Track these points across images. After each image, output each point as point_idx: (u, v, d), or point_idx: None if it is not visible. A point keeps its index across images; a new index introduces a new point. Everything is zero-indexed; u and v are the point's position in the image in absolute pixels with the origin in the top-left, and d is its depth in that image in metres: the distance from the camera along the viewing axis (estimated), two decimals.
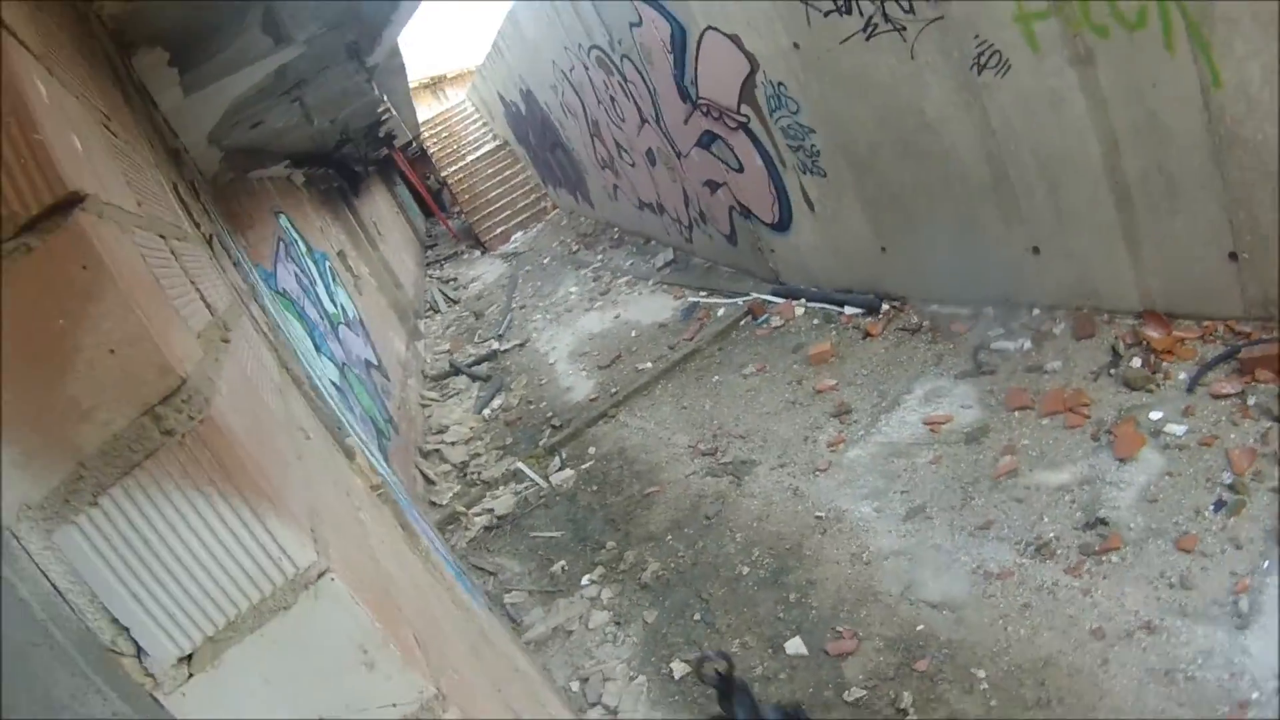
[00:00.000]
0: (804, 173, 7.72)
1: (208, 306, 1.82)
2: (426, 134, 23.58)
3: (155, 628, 1.12)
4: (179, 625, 1.13)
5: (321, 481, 1.80)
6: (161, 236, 1.76)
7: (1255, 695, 3.37)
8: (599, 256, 14.86)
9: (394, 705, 1.26)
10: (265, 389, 1.94)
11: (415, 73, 21.66)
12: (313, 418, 2.81)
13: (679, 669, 4.94)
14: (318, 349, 6.94)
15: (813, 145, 7.34)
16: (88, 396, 1.06)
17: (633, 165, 12.40)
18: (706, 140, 9.11)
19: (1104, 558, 4.26)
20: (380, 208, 19.39)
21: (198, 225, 3.18)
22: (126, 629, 1.11)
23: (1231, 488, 4.20)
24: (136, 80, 3.60)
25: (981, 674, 4.05)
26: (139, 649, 1.12)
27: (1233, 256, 4.73)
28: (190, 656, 1.14)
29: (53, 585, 1.08)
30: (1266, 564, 3.81)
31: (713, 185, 9.61)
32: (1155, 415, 4.85)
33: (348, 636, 1.22)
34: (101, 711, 1.12)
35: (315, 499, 1.52)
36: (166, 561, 1.11)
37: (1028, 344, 6.05)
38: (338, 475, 2.29)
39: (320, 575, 1.20)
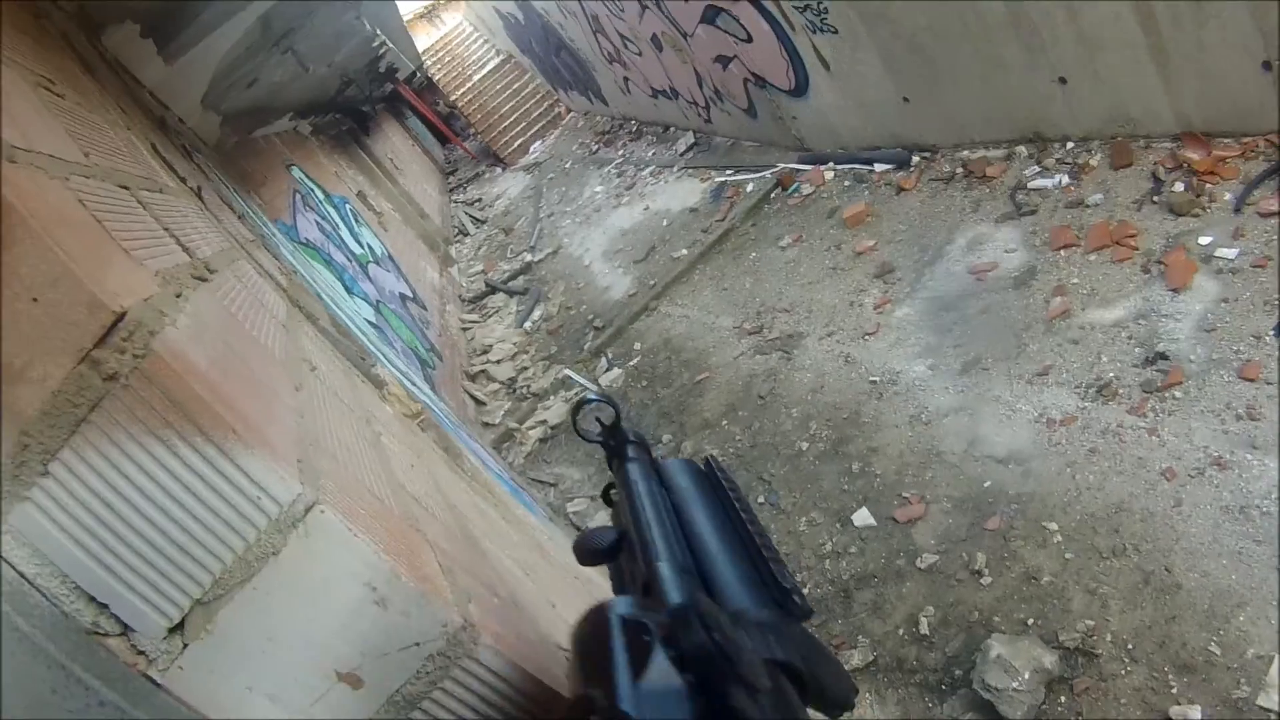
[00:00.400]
0: (814, 32, 7.45)
1: (185, 250, 1.73)
2: (429, 62, 23.10)
3: (137, 599, 1.00)
4: (162, 592, 1.00)
5: (326, 411, 1.70)
6: (124, 188, 1.68)
7: None
8: (619, 152, 14.59)
9: (416, 645, 1.16)
10: (261, 325, 1.85)
11: (407, 6, 21.21)
12: (330, 352, 2.79)
13: None
14: (349, 291, 6.92)
15: (819, 2, 7.08)
16: (17, 354, 0.95)
17: (640, 54, 12.10)
18: (710, 15, 8.85)
19: (1167, 394, 4.17)
20: (394, 142, 19.11)
21: (183, 180, 3.15)
22: (106, 606, 1.00)
23: None
24: (110, 58, 3.58)
25: (1054, 526, 4.01)
26: (125, 627, 1.00)
27: (1266, 66, 4.52)
28: (182, 625, 1.02)
29: (19, 574, 0.97)
30: None
31: (724, 60, 9.36)
32: (1205, 240, 4.70)
33: (351, 574, 1.11)
34: (93, 712, 1.02)
35: (313, 429, 1.42)
36: (134, 523, 0.99)
37: (1065, 179, 5.89)
38: (356, 403, 2.23)
39: (308, 509, 1.07)
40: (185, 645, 1.01)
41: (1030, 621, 3.72)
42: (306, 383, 1.75)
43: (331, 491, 1.17)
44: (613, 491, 1.45)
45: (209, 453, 1.01)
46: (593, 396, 1.54)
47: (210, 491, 1.01)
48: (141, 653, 1.00)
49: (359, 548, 1.11)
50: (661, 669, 0.79)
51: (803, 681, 0.91)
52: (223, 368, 1.22)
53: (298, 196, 7.84)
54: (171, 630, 1.01)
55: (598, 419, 1.52)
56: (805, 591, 4.44)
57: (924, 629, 3.98)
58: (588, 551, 1.29)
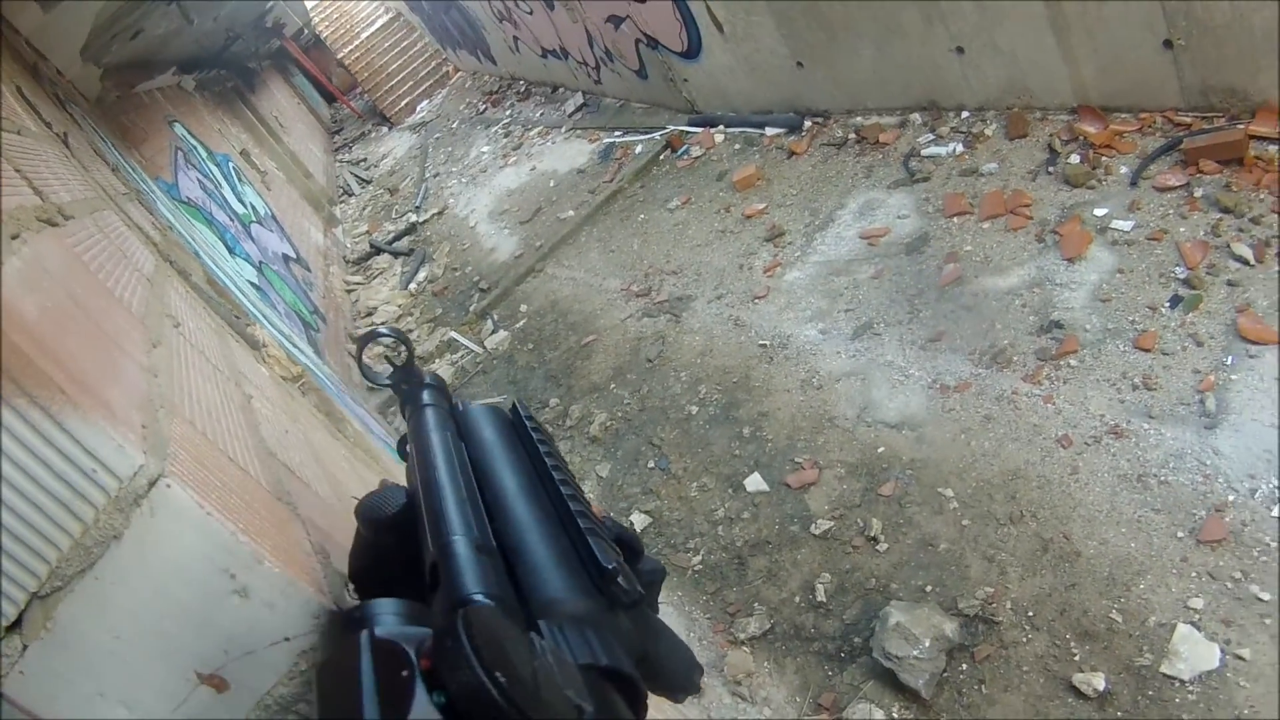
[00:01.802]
0: None
1: (36, 193, 1.57)
2: (317, 18, 22.69)
3: None
4: None
5: (188, 371, 1.54)
6: None
7: (1231, 497, 3.32)
8: (507, 112, 14.36)
9: (286, 640, 1.00)
10: (120, 278, 1.68)
11: None
12: (202, 309, 2.64)
13: (639, 521, 4.85)
14: (231, 251, 6.72)
15: None
16: None
17: (530, 13, 11.88)
18: None
19: (1062, 362, 4.17)
20: (279, 100, 18.70)
21: (48, 125, 3.00)
22: None
23: (1186, 282, 4.11)
24: None
25: (950, 493, 3.99)
26: None
27: (1167, 44, 4.54)
28: (19, 623, 0.86)
29: None
30: (1230, 359, 3.74)
31: (615, 20, 9.19)
32: (1100, 212, 4.72)
33: (204, 559, 0.95)
34: None
35: (168, 390, 1.26)
36: None
37: (960, 148, 5.88)
38: (227, 363, 2.07)
39: (152, 484, 0.92)
40: (24, 646, 0.85)
41: (928, 589, 3.69)
42: (166, 339, 1.59)
43: (182, 462, 1.01)
44: (408, 445, 1.25)
45: (33, 417, 0.86)
46: (383, 330, 1.34)
47: (37, 464, 0.86)
48: None
49: (212, 528, 0.96)
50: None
51: (634, 687, 0.77)
52: (59, 320, 1.08)
53: (179, 154, 7.54)
54: (9, 630, 0.85)
55: (387, 358, 1.35)
56: (698, 560, 4.38)
57: (821, 596, 3.92)
58: (372, 521, 1.08)
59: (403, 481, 1.16)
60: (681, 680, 1.05)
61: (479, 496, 1.05)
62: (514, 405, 1.27)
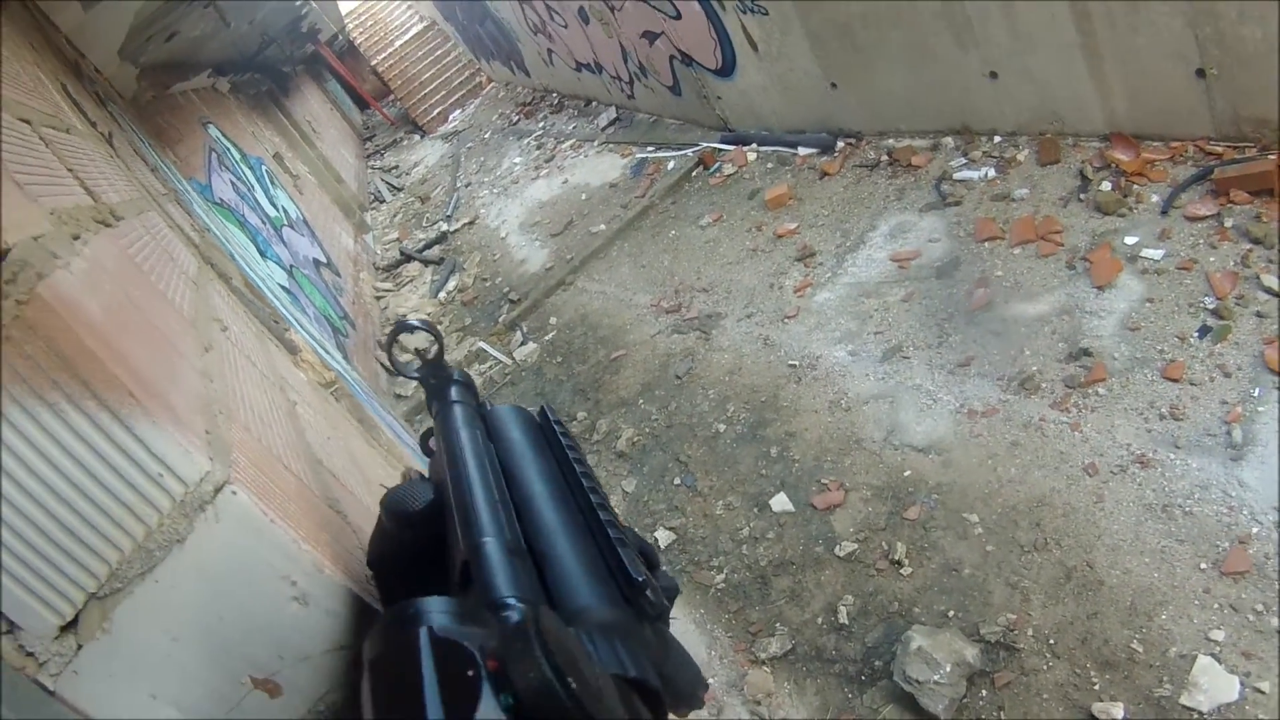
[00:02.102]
0: (744, 12, 7.37)
1: (89, 193, 1.58)
2: (351, 25, 22.87)
3: (22, 592, 0.84)
4: (51, 585, 0.85)
5: (238, 375, 1.56)
6: (25, 121, 1.52)
7: (1255, 530, 3.32)
8: (540, 124, 14.41)
9: (343, 648, 1.02)
10: (169, 280, 1.70)
11: None
12: (243, 313, 2.67)
13: (664, 537, 4.88)
14: (262, 254, 6.74)
15: None
16: None
17: (565, 26, 11.96)
18: None
19: (1090, 390, 4.18)
20: (313, 105, 18.83)
21: (93, 124, 2.99)
22: None
23: (1215, 313, 4.11)
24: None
25: (974, 518, 3.99)
26: (10, 624, 0.84)
27: (1200, 73, 4.55)
28: (75, 623, 0.87)
29: None
30: (1257, 391, 3.74)
31: (650, 36, 9.24)
32: (1130, 240, 4.72)
33: (267, 566, 0.97)
34: None
35: (223, 395, 1.28)
36: (16, 501, 0.82)
37: (992, 172, 5.89)
38: (270, 368, 2.09)
39: (218, 490, 0.94)
40: (79, 646, 0.87)
41: (951, 614, 3.70)
42: (217, 344, 1.61)
43: (244, 468, 1.03)
44: (432, 440, 1.25)
45: (102, 420, 0.87)
46: (414, 323, 1.33)
47: (104, 466, 0.87)
48: (30, 654, 0.85)
49: (276, 535, 0.98)
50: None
51: (659, 699, 0.76)
52: (121, 321, 1.08)
53: (213, 155, 7.58)
54: (63, 629, 0.86)
55: (418, 352, 1.32)
56: (721, 578, 4.41)
57: (843, 618, 3.94)
58: (398, 515, 1.07)
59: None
60: (687, 694, 1.05)
61: (508, 496, 1.04)
62: (542, 409, 1.26)
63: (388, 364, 1.30)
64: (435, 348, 1.35)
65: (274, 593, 0.97)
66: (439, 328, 9.24)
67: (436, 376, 1.33)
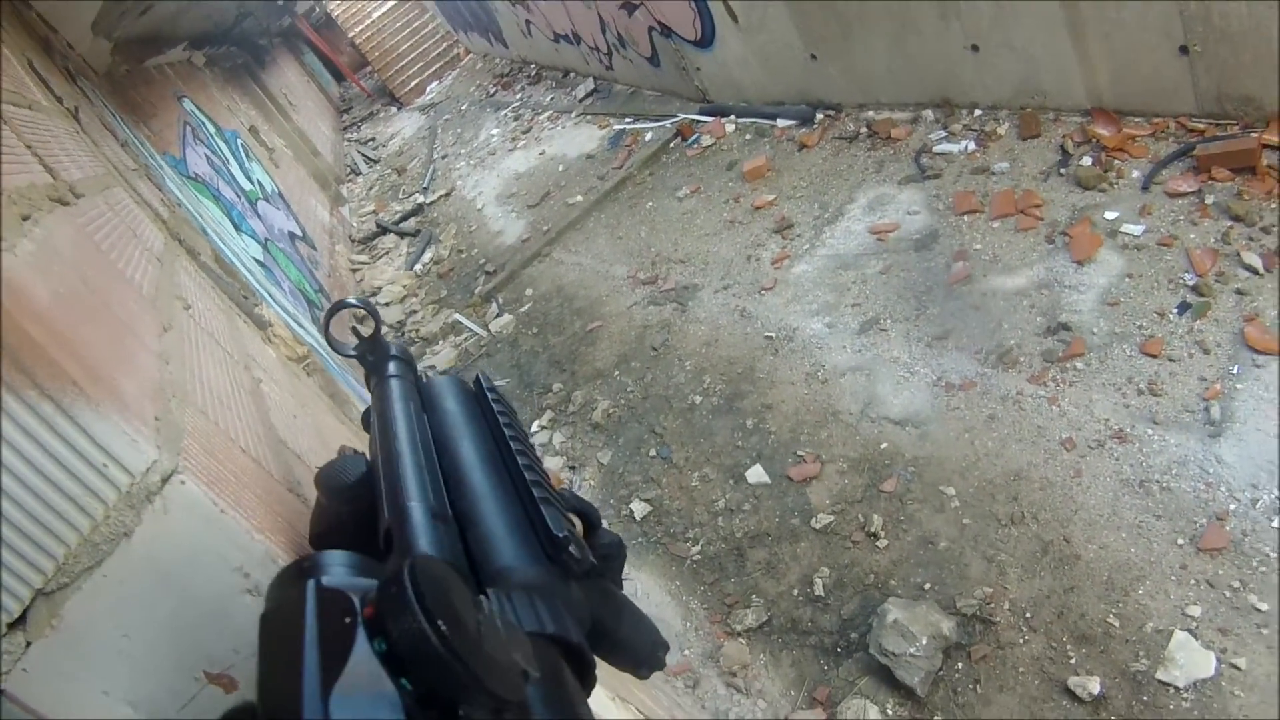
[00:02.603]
0: None
1: (48, 170, 1.55)
2: None
3: None
4: None
5: (199, 355, 1.53)
6: None
7: (1232, 506, 3.33)
8: (518, 96, 14.34)
9: None
10: (131, 258, 1.67)
11: None
12: (210, 290, 2.64)
13: (639, 509, 4.85)
14: (237, 228, 6.68)
15: None
16: None
17: None
18: None
19: (1068, 364, 4.17)
20: (289, 78, 18.73)
21: (59, 100, 2.97)
22: None
23: (1195, 289, 4.11)
24: None
25: (951, 491, 3.99)
26: None
27: (1183, 50, 4.53)
28: (23, 620, 0.84)
29: None
30: (1236, 368, 3.74)
31: (630, 7, 9.16)
32: (1111, 215, 4.71)
33: (218, 557, 0.94)
34: None
35: (180, 378, 1.26)
36: None
37: (971, 145, 5.87)
38: (236, 346, 2.06)
39: (165, 480, 0.91)
40: (28, 644, 0.84)
41: (927, 586, 3.70)
42: (177, 323, 1.58)
43: (195, 456, 1.01)
44: (371, 416, 1.24)
45: (44, 410, 0.84)
46: (351, 300, 1.33)
47: (47, 458, 0.84)
48: None
49: (227, 525, 0.95)
50: (364, 667, 0.58)
51: (582, 656, 0.76)
52: (72, 305, 1.06)
53: (188, 129, 7.49)
54: (11, 626, 0.83)
55: (354, 330, 1.33)
56: (697, 550, 4.39)
57: (819, 590, 3.93)
58: (332, 489, 1.06)
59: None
60: (645, 656, 1.06)
61: (438, 466, 1.05)
62: (477, 377, 1.28)
63: (328, 344, 1.29)
64: (372, 325, 1.34)
65: (227, 584, 0.95)
66: (412, 304, 9.25)
67: (374, 353, 1.33)
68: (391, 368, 1.29)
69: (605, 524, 1.21)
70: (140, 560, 0.89)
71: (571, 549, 0.88)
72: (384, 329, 1.34)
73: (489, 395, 1.21)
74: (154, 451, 0.92)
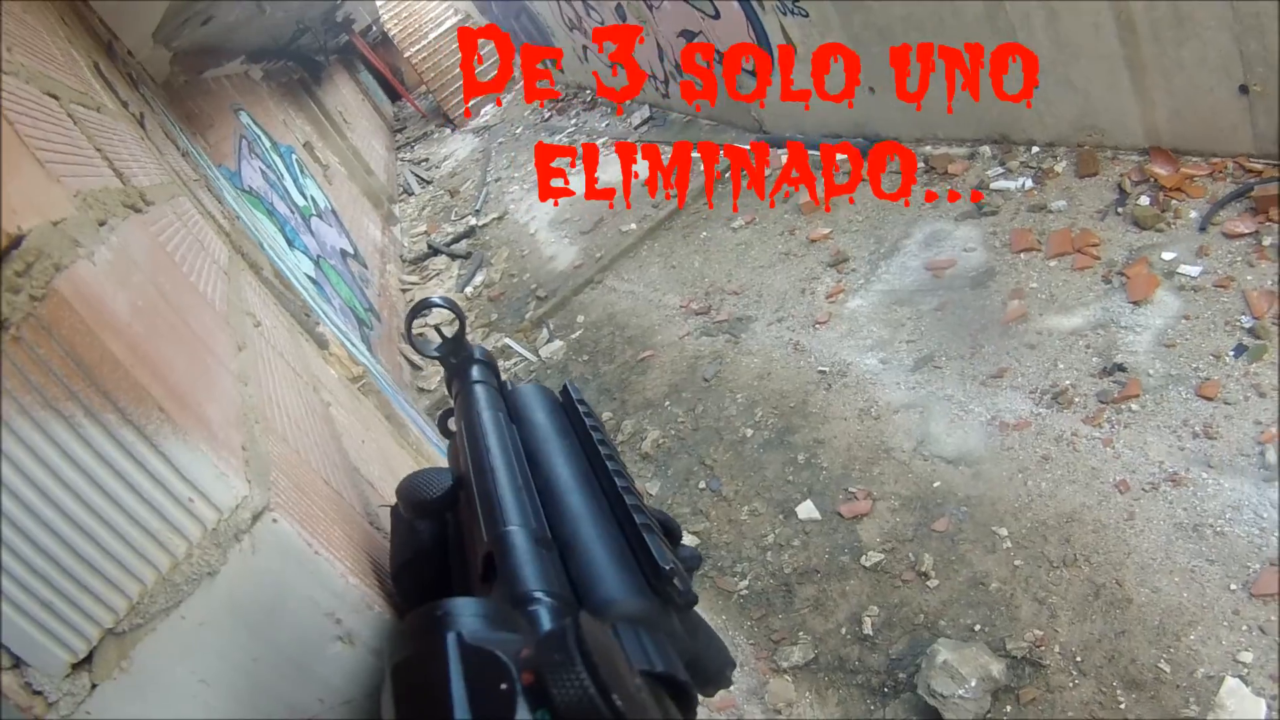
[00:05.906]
0: (784, 14, 7.33)
1: (118, 175, 1.46)
2: (386, 15, 22.88)
3: (29, 625, 0.74)
4: (62, 618, 0.76)
5: (272, 376, 1.44)
6: (52, 96, 1.40)
7: None
8: (572, 121, 14.39)
9: None
10: (201, 271, 1.56)
11: None
12: (274, 306, 2.58)
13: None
14: (290, 244, 6.74)
15: None
16: None
17: (601, 23, 11.90)
18: None
19: (1123, 406, 4.15)
20: (345, 95, 18.83)
21: (125, 105, 2.93)
22: None
23: (1252, 332, 4.07)
24: None
25: (1003, 532, 3.97)
26: (16, 659, 0.75)
27: (1243, 89, 4.51)
28: (89, 660, 0.78)
29: None
30: None
31: (688, 35, 9.22)
32: (1168, 255, 4.69)
33: (309, 601, 0.88)
34: None
35: (258, 401, 1.17)
36: (25, 526, 0.73)
37: (1029, 183, 5.85)
38: (303, 366, 1.98)
39: (256, 517, 0.85)
40: (94, 685, 0.78)
41: (977, 628, 3.68)
42: (250, 341, 1.49)
43: (284, 490, 0.94)
44: (451, 421, 1.19)
45: (125, 437, 0.77)
46: (436, 300, 1.28)
47: (125, 489, 0.77)
48: (38, 693, 0.76)
49: (320, 568, 0.89)
50: None
51: (687, 693, 0.72)
52: (150, 319, 0.96)
53: (244, 142, 7.59)
54: (76, 666, 0.77)
55: (438, 330, 1.26)
56: (744, 585, 4.39)
57: (867, 629, 3.93)
58: (415, 503, 1.01)
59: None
60: (715, 675, 0.99)
61: (531, 481, 0.99)
62: (565, 387, 1.22)
63: (409, 343, 1.22)
64: (456, 325, 1.30)
65: (316, 631, 0.89)
66: (451, 324, 9.31)
67: (457, 355, 1.28)
68: (475, 372, 1.25)
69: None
70: (223, 602, 0.84)
71: (676, 581, 0.84)
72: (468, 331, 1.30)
73: (579, 407, 1.16)
74: (244, 486, 0.86)
